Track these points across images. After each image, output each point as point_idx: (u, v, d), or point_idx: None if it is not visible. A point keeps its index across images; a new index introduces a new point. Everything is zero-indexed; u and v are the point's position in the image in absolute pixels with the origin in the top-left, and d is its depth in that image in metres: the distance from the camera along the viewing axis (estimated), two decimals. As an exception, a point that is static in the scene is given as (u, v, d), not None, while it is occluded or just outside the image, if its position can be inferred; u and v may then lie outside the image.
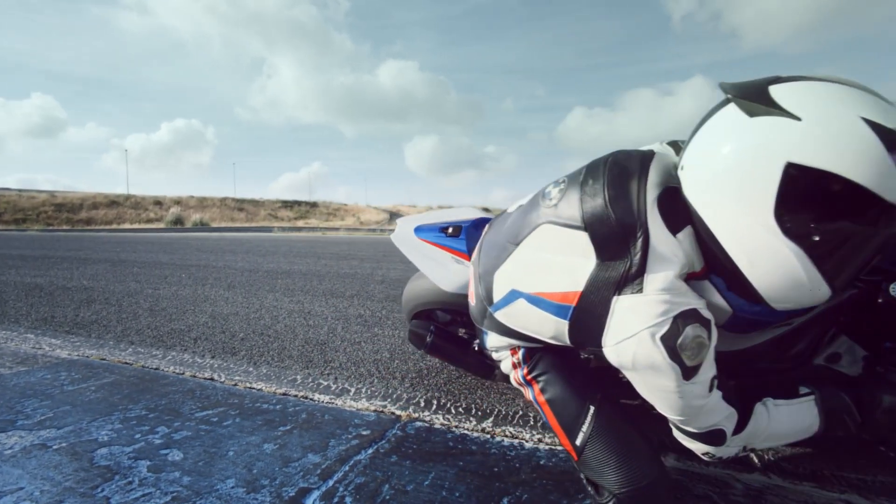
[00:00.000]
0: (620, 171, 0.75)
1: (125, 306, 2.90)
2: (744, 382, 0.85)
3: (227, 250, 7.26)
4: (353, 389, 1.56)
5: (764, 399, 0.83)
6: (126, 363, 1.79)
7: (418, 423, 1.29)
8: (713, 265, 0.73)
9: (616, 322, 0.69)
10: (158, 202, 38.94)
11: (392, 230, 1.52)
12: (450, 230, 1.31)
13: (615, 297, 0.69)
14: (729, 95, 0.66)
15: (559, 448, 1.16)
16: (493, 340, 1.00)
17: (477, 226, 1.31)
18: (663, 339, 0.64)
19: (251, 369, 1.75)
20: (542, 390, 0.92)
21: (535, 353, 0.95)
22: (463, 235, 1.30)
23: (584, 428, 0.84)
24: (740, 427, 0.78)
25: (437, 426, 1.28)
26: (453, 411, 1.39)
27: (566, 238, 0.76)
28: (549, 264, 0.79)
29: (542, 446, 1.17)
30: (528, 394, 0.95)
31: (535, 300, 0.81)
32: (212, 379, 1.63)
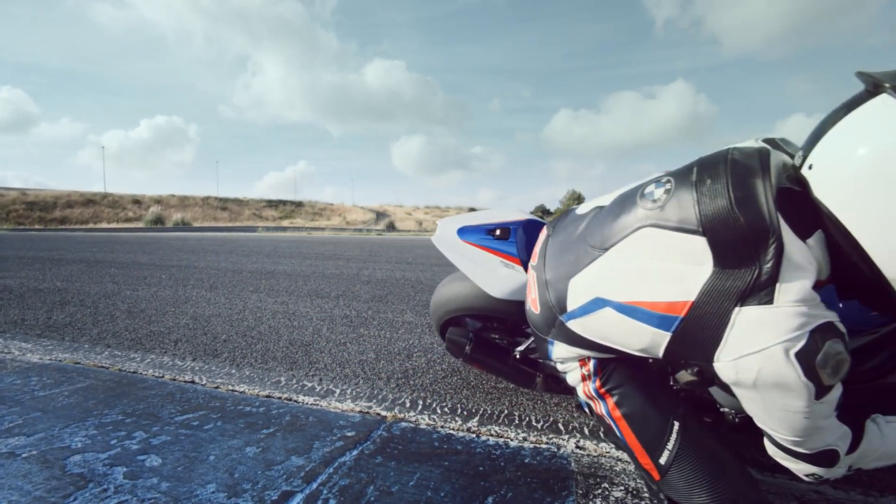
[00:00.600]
0: (745, 171, 0.68)
1: (101, 308, 2.81)
2: (854, 399, 0.79)
3: (209, 250, 7.11)
4: (338, 391, 1.55)
5: (873, 416, 0.76)
6: (102, 367, 1.74)
7: (404, 424, 1.28)
8: (839, 273, 0.67)
9: (737, 335, 0.63)
10: (137, 201, 37.91)
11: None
12: (497, 232, 1.24)
13: (737, 309, 0.63)
14: (886, 85, 0.58)
15: (543, 446, 1.17)
16: (559, 351, 0.92)
17: (527, 228, 1.25)
18: (799, 355, 0.59)
19: (234, 371, 1.72)
20: (618, 404, 0.85)
21: (608, 364, 0.88)
22: (512, 238, 1.23)
23: (670, 446, 0.78)
24: (853, 447, 0.72)
25: (422, 426, 1.27)
26: (439, 411, 1.39)
27: (675, 243, 0.69)
28: (649, 271, 0.72)
29: (526, 445, 1.17)
30: (600, 407, 0.88)
31: (629, 310, 0.74)
32: (193, 382, 1.59)
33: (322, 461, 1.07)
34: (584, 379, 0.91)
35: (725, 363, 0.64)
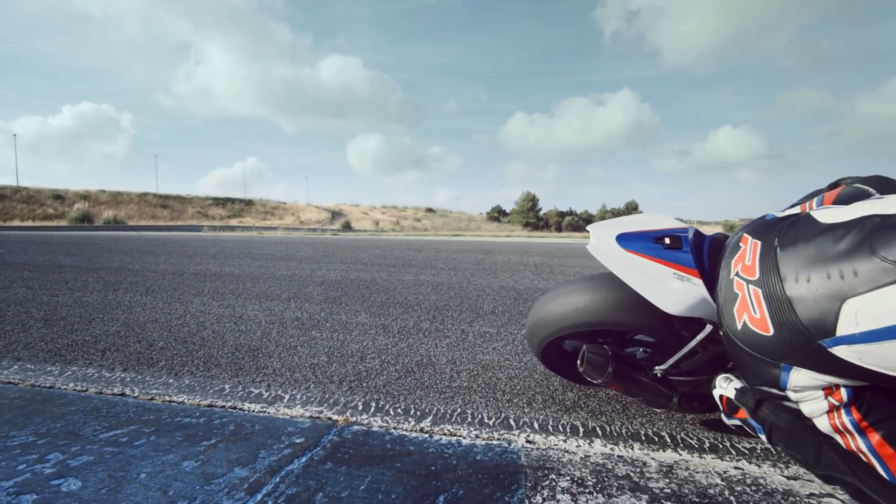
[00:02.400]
0: None
1: (10, 317, 2.51)
2: None
3: (146, 251, 6.57)
4: (287, 396, 1.48)
5: None
6: (9, 383, 1.55)
7: (356, 427, 1.26)
8: None
9: None
10: (59, 196, 34.21)
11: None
12: (667, 241, 1.14)
13: None
14: None
15: (495, 442, 1.19)
16: (799, 379, 0.82)
17: (696, 237, 1.16)
18: None
19: (171, 381, 1.60)
20: (888, 439, 0.75)
21: (862, 393, 0.79)
22: (686, 247, 1.12)
23: None
24: None
25: (375, 429, 1.25)
26: (392, 413, 1.37)
27: None
28: None
29: (478, 442, 1.19)
30: (856, 443, 0.78)
31: None
32: (122, 394, 1.46)
33: (268, 471, 1.02)
34: (832, 410, 0.81)
35: None
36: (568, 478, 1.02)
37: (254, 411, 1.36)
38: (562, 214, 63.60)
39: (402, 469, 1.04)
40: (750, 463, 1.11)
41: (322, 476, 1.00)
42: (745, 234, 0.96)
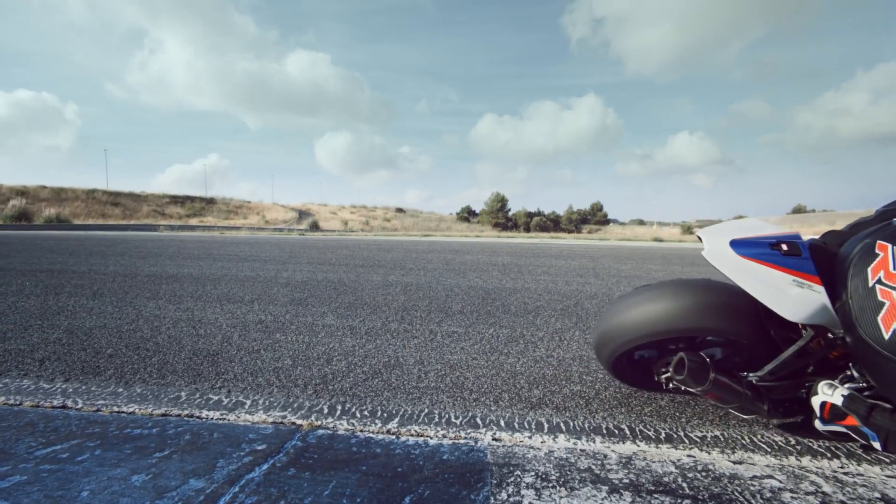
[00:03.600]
0: None
1: (-64, 324, 2.27)
2: None
3: (94, 252, 6.14)
4: (248, 402, 1.43)
5: None
6: (-67, 397, 1.40)
7: (320, 432, 1.23)
8: None
9: None
10: (-7, 193, 31.39)
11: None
12: (784, 247, 1.12)
13: None
14: None
15: (462, 441, 1.20)
16: None
17: (814, 244, 1.14)
18: None
19: (121, 390, 1.50)
20: None
21: None
22: (806, 254, 1.10)
23: None
24: None
25: (340, 432, 1.23)
26: (358, 415, 1.35)
27: None
28: None
29: (445, 441, 1.19)
30: None
31: None
32: (63, 407, 1.36)
33: (226, 480, 0.98)
34: None
35: None
36: (532, 473, 1.04)
37: (213, 419, 1.30)
38: (530, 215, 64.87)
39: (367, 472, 1.03)
40: (701, 451, 1.18)
41: (284, 483, 0.97)
42: (881, 241, 0.94)
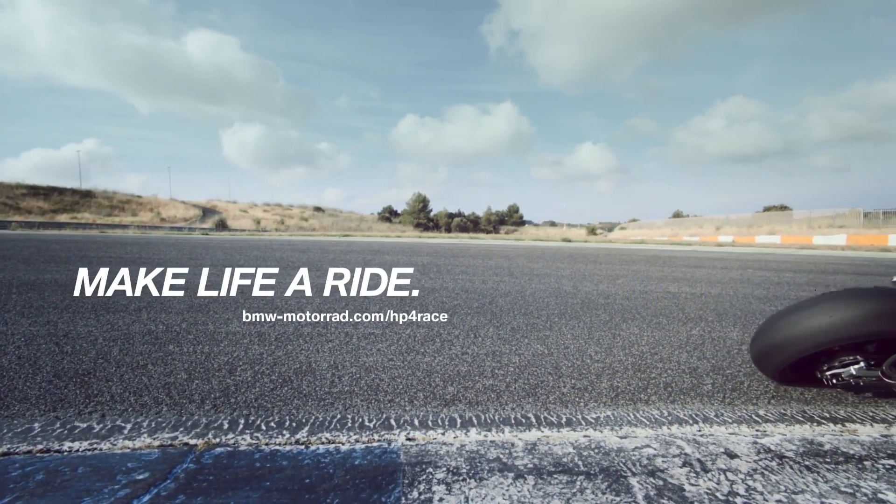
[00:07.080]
0: None
1: None
2: None
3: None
4: (128, 426, 1.25)
5: None
6: None
7: (218, 450, 1.12)
8: None
9: None
10: None
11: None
12: None
13: None
14: None
15: (375, 444, 1.18)
16: None
17: None
18: None
19: (-55, 427, 1.21)
20: None
21: None
22: None
23: None
24: None
25: (242, 448, 1.13)
26: (264, 427, 1.26)
27: None
28: None
29: (358, 446, 1.17)
30: None
31: None
32: None
33: (93, 520, 0.84)
34: None
35: None
36: (444, 469, 1.06)
37: (78, 451, 1.11)
38: (451, 216, 66.45)
39: (271, 488, 0.96)
40: (595, 430, 1.31)
41: (170, 513, 0.87)
42: None
